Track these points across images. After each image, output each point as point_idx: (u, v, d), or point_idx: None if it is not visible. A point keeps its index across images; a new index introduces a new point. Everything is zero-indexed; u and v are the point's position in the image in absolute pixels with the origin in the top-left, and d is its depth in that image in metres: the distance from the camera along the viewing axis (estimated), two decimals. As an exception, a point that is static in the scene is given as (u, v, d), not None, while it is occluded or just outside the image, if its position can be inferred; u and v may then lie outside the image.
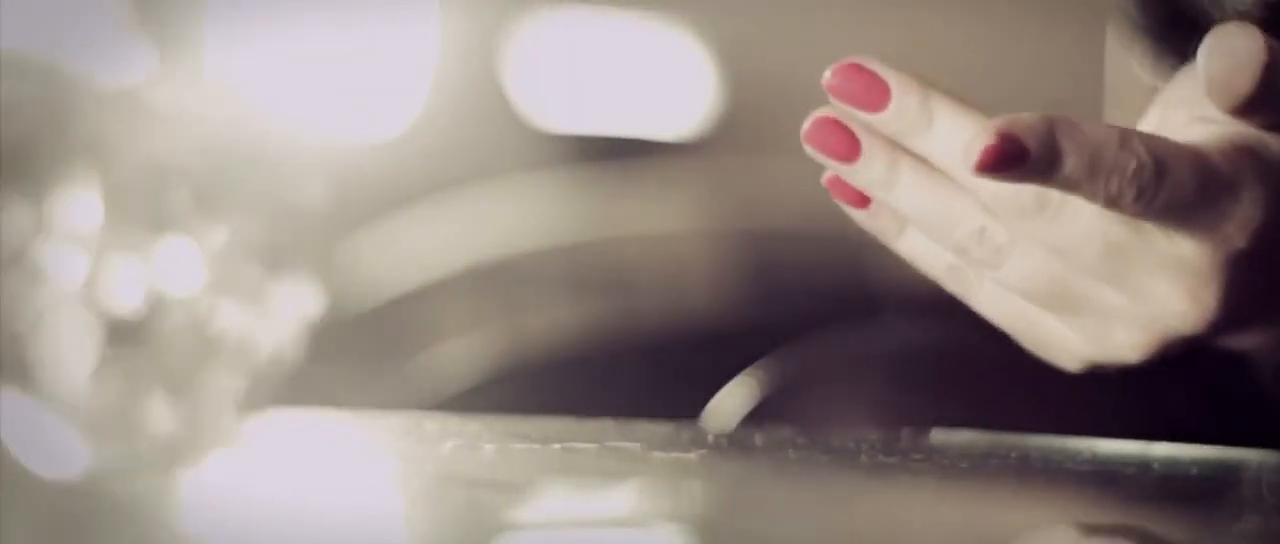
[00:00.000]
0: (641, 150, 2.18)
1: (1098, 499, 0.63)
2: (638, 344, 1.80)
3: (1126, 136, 0.60)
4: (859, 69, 0.63)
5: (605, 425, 0.71)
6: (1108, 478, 0.66)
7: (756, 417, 0.84)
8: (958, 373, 0.82)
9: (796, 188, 1.93)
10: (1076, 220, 0.62)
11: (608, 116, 2.24)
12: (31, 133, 0.46)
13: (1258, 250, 0.63)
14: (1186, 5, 0.79)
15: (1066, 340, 0.67)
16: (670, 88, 2.23)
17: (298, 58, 2.09)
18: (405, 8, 2.14)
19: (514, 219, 2.01)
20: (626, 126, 2.24)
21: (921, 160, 0.64)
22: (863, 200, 0.67)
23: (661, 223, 1.98)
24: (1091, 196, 0.61)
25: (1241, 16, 0.76)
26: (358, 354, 1.93)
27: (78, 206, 0.46)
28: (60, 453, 0.47)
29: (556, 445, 0.66)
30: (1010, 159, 0.59)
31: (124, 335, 0.47)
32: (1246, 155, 0.63)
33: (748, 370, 0.87)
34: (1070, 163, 0.60)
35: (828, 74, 0.64)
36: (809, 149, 0.65)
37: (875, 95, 0.63)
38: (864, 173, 0.64)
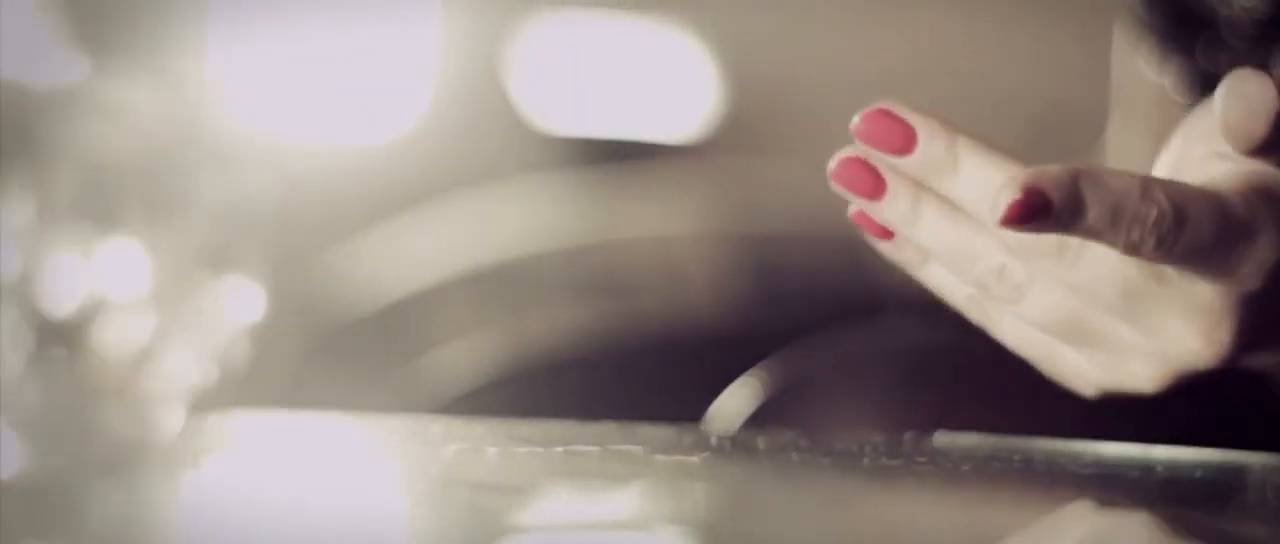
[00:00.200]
0: (644, 153, 2.18)
1: (1101, 502, 0.63)
2: (640, 347, 1.80)
3: (1148, 186, 0.62)
4: (886, 115, 0.65)
5: (608, 428, 0.71)
6: (1111, 481, 0.66)
7: (759, 419, 0.84)
8: (960, 376, 0.82)
9: (798, 191, 1.93)
10: (1095, 263, 0.64)
11: (610, 119, 2.24)
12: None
13: (1271, 288, 0.64)
14: (1194, 3, 0.80)
15: (1082, 370, 0.69)
16: (672, 91, 2.23)
17: (301, 61, 2.09)
18: (408, 10, 2.14)
19: (517, 222, 2.01)
20: (629, 129, 2.24)
21: (945, 198, 0.66)
22: (888, 233, 0.68)
23: (664, 225, 1.98)
24: (1112, 244, 0.62)
25: (1249, 14, 0.77)
26: (361, 357, 1.93)
27: (15, 207, 0.46)
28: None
29: (559, 448, 0.66)
30: (1035, 212, 0.61)
31: (64, 336, 0.47)
32: (1263, 198, 0.64)
33: (750, 373, 0.87)
34: (1093, 214, 0.61)
35: (856, 120, 0.65)
36: (835, 187, 0.66)
37: (902, 141, 0.65)
38: (889, 210, 0.66)
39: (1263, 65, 0.80)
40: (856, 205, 0.67)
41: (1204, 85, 0.82)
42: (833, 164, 0.66)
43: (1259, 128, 0.64)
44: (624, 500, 0.57)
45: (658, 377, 1.67)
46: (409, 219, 2.04)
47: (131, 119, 0.48)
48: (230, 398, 0.53)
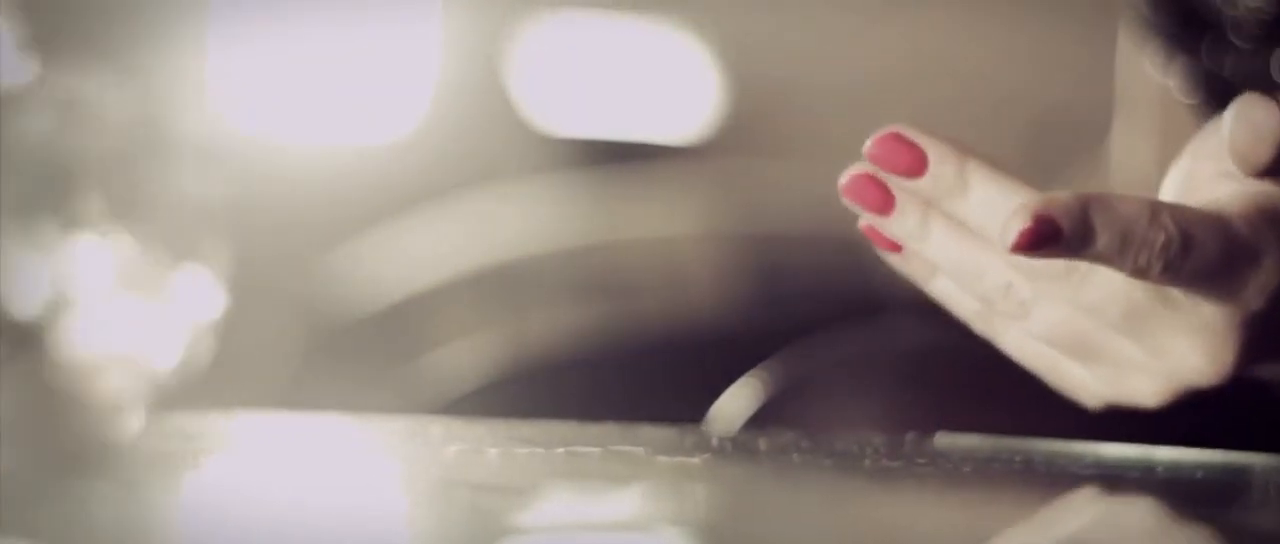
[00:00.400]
0: (645, 154, 2.18)
1: (1102, 503, 0.63)
2: (641, 348, 1.80)
3: (1156, 212, 0.63)
4: (898, 138, 0.66)
5: (609, 429, 0.71)
6: (1112, 482, 0.66)
7: (760, 420, 0.84)
8: (961, 377, 0.83)
9: (799, 191, 1.93)
10: (1102, 284, 0.65)
11: (612, 120, 2.24)
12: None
13: (1274, 308, 0.65)
14: (1199, 3, 0.80)
15: (1085, 383, 0.70)
16: (674, 92, 2.23)
17: (302, 62, 2.10)
18: (408, 11, 2.14)
19: (517, 223, 2.01)
20: (630, 130, 2.24)
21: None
22: (896, 246, 0.69)
23: (665, 226, 1.98)
24: (1120, 268, 0.63)
25: (1254, 14, 0.77)
26: (361, 358, 1.93)
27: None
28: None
29: (560, 449, 0.66)
30: (1046, 239, 0.62)
31: (23, 337, 0.47)
32: (1268, 221, 0.65)
33: (751, 374, 0.87)
34: (1103, 241, 0.62)
35: (868, 144, 0.66)
36: (846, 201, 0.67)
37: (914, 164, 0.66)
38: (898, 225, 0.67)
39: (1267, 65, 0.80)
40: (866, 220, 0.68)
41: (1209, 86, 0.82)
42: (843, 180, 0.67)
43: (1265, 152, 0.66)
44: (625, 501, 0.57)
45: (659, 377, 1.68)
46: (410, 220, 2.04)
47: (92, 116, 0.48)
48: (230, 398, 0.53)
